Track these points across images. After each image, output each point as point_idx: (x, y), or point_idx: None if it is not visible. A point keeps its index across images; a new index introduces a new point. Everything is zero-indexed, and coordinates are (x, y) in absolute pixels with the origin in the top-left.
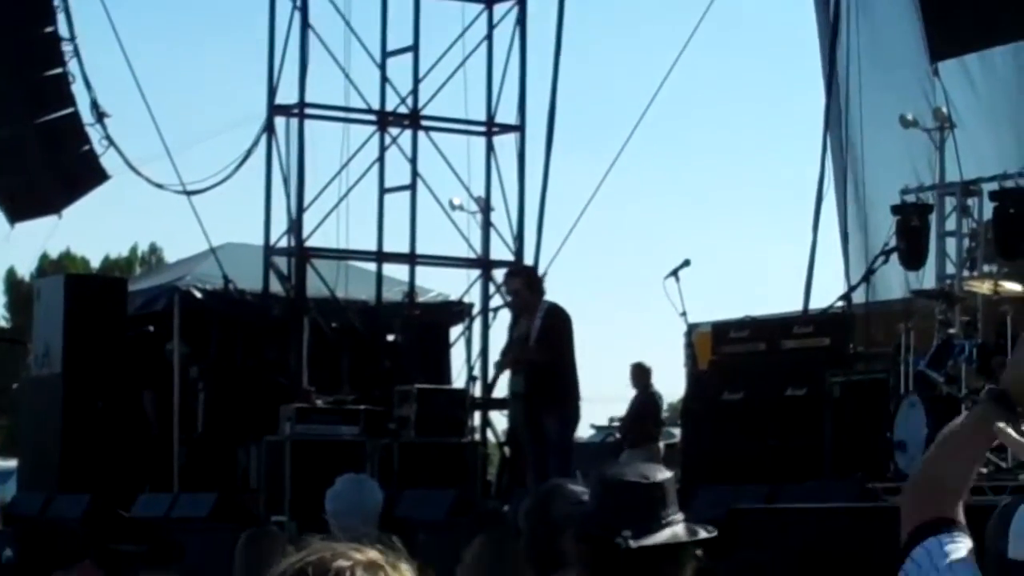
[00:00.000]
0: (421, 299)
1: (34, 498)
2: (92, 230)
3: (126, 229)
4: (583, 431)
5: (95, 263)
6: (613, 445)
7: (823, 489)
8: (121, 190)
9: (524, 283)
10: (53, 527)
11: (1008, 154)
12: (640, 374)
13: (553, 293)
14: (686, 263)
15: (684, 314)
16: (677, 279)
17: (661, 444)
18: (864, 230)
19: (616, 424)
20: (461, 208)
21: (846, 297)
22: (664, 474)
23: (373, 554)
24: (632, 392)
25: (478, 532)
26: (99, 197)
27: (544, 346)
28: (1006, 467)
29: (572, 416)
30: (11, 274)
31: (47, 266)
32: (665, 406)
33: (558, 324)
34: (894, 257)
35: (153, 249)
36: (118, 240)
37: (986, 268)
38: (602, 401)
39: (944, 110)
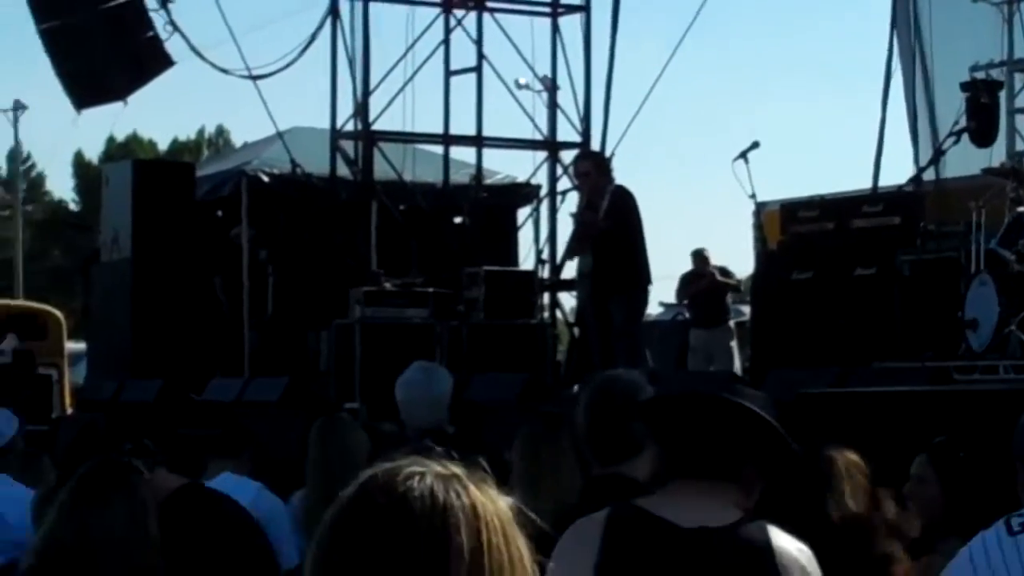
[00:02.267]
0: (488, 181)
1: (106, 383)
2: (159, 113)
3: (193, 112)
4: (652, 308)
5: (162, 146)
6: (682, 323)
7: (894, 372)
8: (187, 75)
9: (593, 166)
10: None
11: None
12: (701, 261)
13: (621, 173)
14: (755, 145)
15: (753, 196)
16: (746, 161)
17: (732, 323)
18: (932, 107)
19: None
20: (527, 87)
21: (916, 179)
22: None
23: (455, 468)
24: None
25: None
26: (165, 81)
27: (612, 220)
28: None
29: (639, 302)
30: (79, 157)
31: (114, 149)
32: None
33: (626, 204)
34: (964, 134)
35: (220, 131)
36: (185, 123)
37: None
38: (670, 279)
39: None
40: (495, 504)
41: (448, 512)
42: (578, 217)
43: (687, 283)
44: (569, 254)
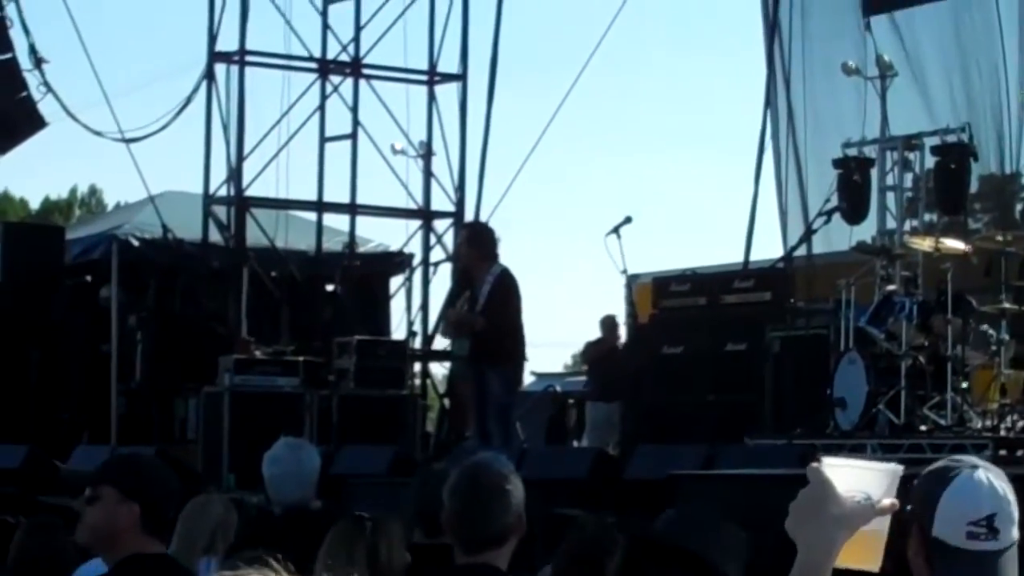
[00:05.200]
0: (361, 249)
1: None
2: (31, 171)
3: (66, 171)
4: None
5: (34, 204)
6: (552, 395)
7: (764, 451)
8: (60, 134)
9: (467, 241)
10: None
11: (941, 110)
12: (612, 326)
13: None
14: (627, 220)
15: (625, 271)
16: (618, 236)
17: None
18: (804, 183)
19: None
20: (403, 152)
21: (786, 259)
22: None
23: None
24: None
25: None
26: (38, 140)
27: (491, 313)
28: (945, 424)
29: (514, 377)
30: None
31: None
32: None
33: (507, 290)
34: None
35: (93, 191)
36: (58, 182)
37: (927, 217)
38: (542, 347)
39: (887, 58)
40: None
41: None
42: (448, 300)
43: (591, 350)
44: (443, 333)
